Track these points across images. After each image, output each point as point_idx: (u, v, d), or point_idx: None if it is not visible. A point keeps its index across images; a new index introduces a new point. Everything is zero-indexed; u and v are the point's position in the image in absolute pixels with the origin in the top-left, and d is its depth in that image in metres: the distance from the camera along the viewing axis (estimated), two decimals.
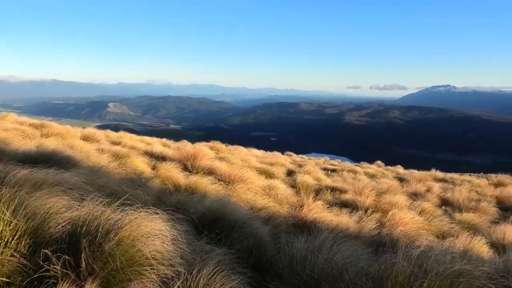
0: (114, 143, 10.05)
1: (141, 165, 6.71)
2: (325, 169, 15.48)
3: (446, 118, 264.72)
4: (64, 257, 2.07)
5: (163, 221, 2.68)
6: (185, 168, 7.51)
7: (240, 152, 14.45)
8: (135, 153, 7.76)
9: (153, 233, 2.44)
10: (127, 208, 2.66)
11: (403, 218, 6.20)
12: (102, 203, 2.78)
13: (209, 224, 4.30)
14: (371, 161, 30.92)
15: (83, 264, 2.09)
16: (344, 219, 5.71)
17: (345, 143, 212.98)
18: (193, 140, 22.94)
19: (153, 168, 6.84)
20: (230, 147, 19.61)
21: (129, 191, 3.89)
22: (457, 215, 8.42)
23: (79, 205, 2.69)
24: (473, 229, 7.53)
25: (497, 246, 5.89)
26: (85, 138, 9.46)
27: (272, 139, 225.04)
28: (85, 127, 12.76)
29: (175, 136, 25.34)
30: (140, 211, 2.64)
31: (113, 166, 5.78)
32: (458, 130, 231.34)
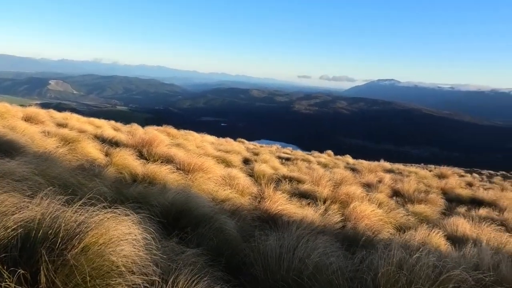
0: (61, 125, 9.29)
1: (93, 151, 6.19)
2: (279, 157, 15.46)
3: (389, 110, 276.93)
4: (19, 272, 1.70)
5: (132, 222, 2.36)
6: (141, 155, 7.06)
7: (195, 138, 14.03)
8: (84, 137, 7.17)
9: (123, 237, 2.12)
10: (89, 207, 2.30)
11: (364, 211, 6.21)
12: (59, 200, 2.40)
13: (174, 219, 4.00)
14: (318, 149, 31.54)
15: (43, 279, 1.73)
16: (308, 212, 5.60)
17: (294, 131, 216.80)
18: (141, 122, 22.15)
19: (106, 154, 6.34)
20: (182, 132, 19.10)
21: (86, 183, 3.49)
22: (410, 207, 8.65)
23: (31, 203, 2.29)
24: (426, 221, 7.76)
25: (452, 239, 6.06)
26: (28, 119, 8.65)
27: (222, 124, 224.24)
28: (24, 105, 11.75)
29: (122, 118, 24.34)
30: (106, 211, 2.30)
31: (62, 152, 5.24)
32: (399, 122, 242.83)
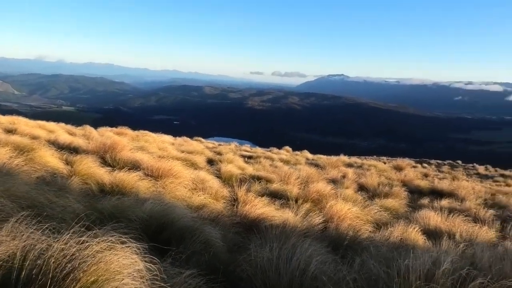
0: (9, 130, 8.52)
1: (52, 160, 5.65)
2: (241, 156, 15.24)
3: (340, 104, 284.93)
4: None
5: (131, 251, 2.05)
6: (104, 162, 6.58)
7: (154, 140, 13.49)
8: (40, 144, 6.58)
9: (124, 271, 1.81)
10: (75, 235, 1.97)
11: (341, 210, 6.15)
12: (36, 226, 2.05)
13: (155, 233, 3.68)
14: (272, 145, 31.70)
15: None
16: (288, 216, 5.43)
17: (248, 128, 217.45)
18: (89, 123, 21.19)
19: (67, 163, 5.82)
20: (138, 132, 18.41)
21: (56, 200, 3.09)
22: (378, 201, 8.73)
23: (2, 235, 1.91)
24: (397, 215, 7.89)
25: (427, 232, 6.13)
26: None
27: (175, 122, 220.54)
28: None
29: (69, 119, 23.18)
30: (99, 240, 1.97)
31: (18, 163, 4.72)
32: (349, 116, 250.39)
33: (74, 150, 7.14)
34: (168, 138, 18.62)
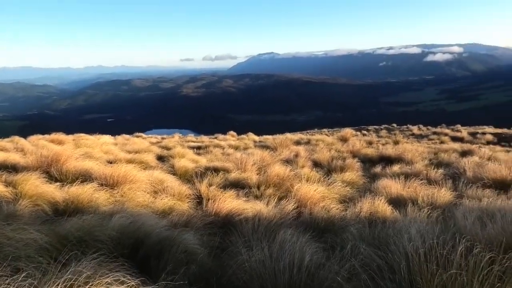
0: None
1: None
2: (190, 147, 14.84)
3: (273, 82, 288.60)
4: None
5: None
6: (50, 177, 6.00)
7: (96, 143, 12.70)
8: None
9: None
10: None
11: (308, 192, 6.12)
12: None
13: (131, 252, 3.37)
14: (213, 131, 31.48)
15: None
16: (260, 207, 5.29)
17: (186, 116, 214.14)
18: (15, 132, 19.71)
19: (8, 184, 5.21)
20: (73, 136, 17.32)
21: (14, 236, 2.68)
22: (336, 176, 8.85)
23: None
24: (357, 187, 8.05)
25: (392, 202, 6.29)
26: None
27: (109, 120, 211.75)
28: None
29: None
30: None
31: None
32: (283, 93, 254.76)
33: (12, 168, 6.44)
34: (108, 138, 17.67)
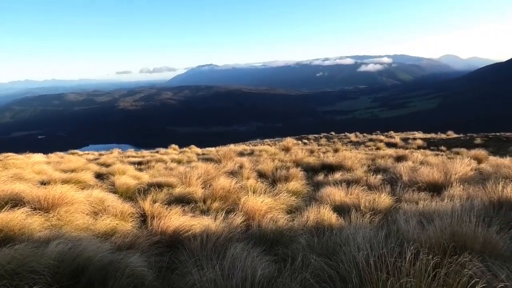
0: None
1: None
2: (130, 163, 14.32)
3: (213, 94, 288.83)
4: None
5: None
6: None
7: (25, 162, 11.83)
8: None
9: None
10: None
11: (255, 204, 6.10)
12: None
13: (72, 280, 3.13)
14: (154, 145, 30.78)
15: None
16: (208, 222, 5.17)
17: (124, 130, 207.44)
18: None
19: None
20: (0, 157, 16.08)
21: None
22: (281, 186, 8.94)
23: None
24: (302, 196, 8.17)
25: (336, 209, 6.45)
26: None
27: (40, 137, 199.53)
28: None
29: None
30: None
31: None
32: (223, 104, 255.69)
33: None
34: (39, 157, 16.54)
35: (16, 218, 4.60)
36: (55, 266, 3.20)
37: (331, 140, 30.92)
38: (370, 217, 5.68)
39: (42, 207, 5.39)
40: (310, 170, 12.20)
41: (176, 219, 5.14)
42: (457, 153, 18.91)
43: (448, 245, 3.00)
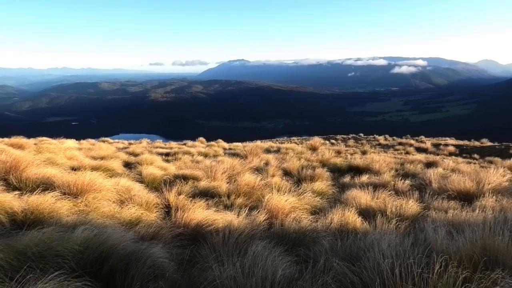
0: None
1: None
2: (158, 154, 14.54)
3: (243, 89, 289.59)
4: None
5: None
6: (8, 185, 5.66)
7: (58, 148, 12.20)
8: None
9: None
10: None
11: (279, 202, 6.06)
12: None
13: (95, 267, 3.19)
14: (181, 136, 31.06)
15: None
16: (230, 217, 5.18)
17: (153, 121, 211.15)
18: None
19: None
20: (35, 140, 16.68)
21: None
22: (306, 186, 8.86)
23: None
24: (327, 197, 8.06)
25: (362, 213, 6.33)
26: None
27: (74, 123, 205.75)
28: None
29: None
30: None
31: None
32: (252, 100, 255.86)
33: None
34: (72, 143, 17.03)
35: (46, 202, 4.73)
36: (80, 251, 3.26)
37: (359, 141, 30.45)
38: (396, 223, 5.55)
39: (72, 193, 5.53)
40: (337, 171, 12.03)
41: (199, 213, 5.17)
42: (491, 162, 18.25)
43: (479, 259, 2.88)
